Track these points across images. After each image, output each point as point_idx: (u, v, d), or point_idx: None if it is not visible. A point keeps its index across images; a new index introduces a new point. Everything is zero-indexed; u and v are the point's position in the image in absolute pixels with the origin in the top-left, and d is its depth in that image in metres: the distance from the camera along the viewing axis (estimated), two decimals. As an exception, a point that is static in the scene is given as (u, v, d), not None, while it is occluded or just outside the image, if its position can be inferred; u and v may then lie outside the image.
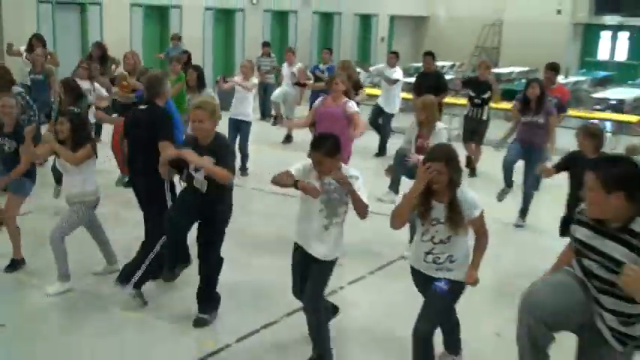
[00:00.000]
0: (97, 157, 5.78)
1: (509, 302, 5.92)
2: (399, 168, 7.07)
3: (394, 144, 11.18)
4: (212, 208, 5.02)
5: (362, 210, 4.33)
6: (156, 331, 5.17)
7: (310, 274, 4.53)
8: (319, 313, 4.57)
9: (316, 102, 7.29)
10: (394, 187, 7.67)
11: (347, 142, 6.78)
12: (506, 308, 5.82)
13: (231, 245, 6.18)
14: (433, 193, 3.99)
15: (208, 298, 5.26)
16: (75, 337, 5.11)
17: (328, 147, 4.26)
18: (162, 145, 5.26)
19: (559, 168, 6.22)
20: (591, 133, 5.89)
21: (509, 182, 8.19)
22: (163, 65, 13.57)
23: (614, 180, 2.87)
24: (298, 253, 4.60)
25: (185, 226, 5.11)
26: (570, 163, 6.08)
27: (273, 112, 13.75)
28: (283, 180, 4.36)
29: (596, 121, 11.39)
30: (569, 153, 6.28)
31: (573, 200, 6.00)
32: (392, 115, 11.79)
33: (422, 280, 4.26)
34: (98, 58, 10.74)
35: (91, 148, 5.64)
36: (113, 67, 11.37)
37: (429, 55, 11.40)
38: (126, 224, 7.05)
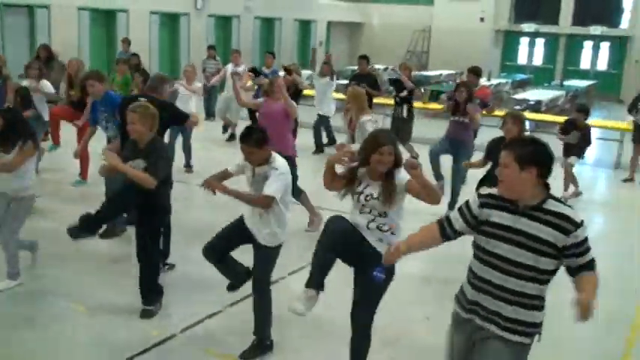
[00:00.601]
0: (37, 150, 5.50)
1: (437, 289, 6.03)
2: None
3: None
4: (149, 202, 4.93)
5: (260, 203, 4.35)
6: (100, 324, 5.02)
7: (255, 260, 4.54)
8: (266, 297, 4.58)
9: (260, 99, 7.33)
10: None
11: (289, 141, 6.85)
12: (435, 294, 5.91)
13: (174, 238, 6.08)
14: (369, 171, 3.93)
15: (152, 290, 5.14)
16: (19, 331, 4.91)
17: (255, 138, 4.30)
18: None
19: (486, 157, 6.34)
20: (518, 117, 6.09)
21: (438, 175, 8.31)
22: (110, 67, 13.22)
23: (527, 156, 2.90)
24: (241, 221, 4.56)
25: (120, 209, 5.08)
26: (492, 147, 6.20)
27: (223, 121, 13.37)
28: (212, 181, 4.55)
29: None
30: (492, 139, 6.41)
31: (488, 178, 6.14)
32: (327, 118, 11.77)
33: (356, 251, 4.01)
34: (44, 60, 10.40)
35: (32, 145, 5.27)
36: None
37: (364, 59, 11.53)
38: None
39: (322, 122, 11.77)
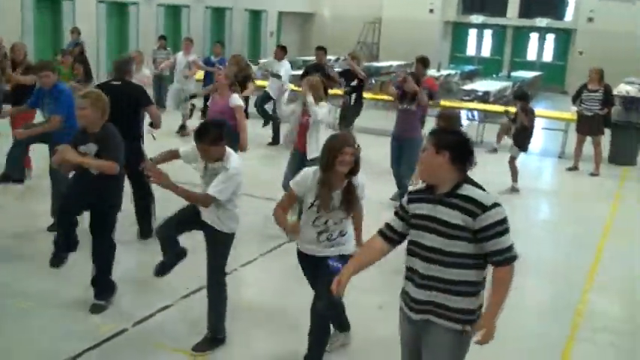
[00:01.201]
0: None
1: (389, 278, 6.09)
2: (292, 160, 7.03)
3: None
4: (101, 194, 4.83)
5: (199, 201, 4.34)
6: (50, 318, 4.90)
7: (207, 247, 4.51)
8: (220, 287, 4.55)
9: (210, 99, 7.28)
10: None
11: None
12: (387, 283, 5.96)
13: (124, 230, 5.98)
14: (332, 185, 4.01)
15: (103, 284, 5.05)
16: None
17: (211, 137, 4.23)
18: (149, 110, 6.50)
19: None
20: (447, 116, 6.18)
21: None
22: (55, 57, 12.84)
23: (443, 141, 3.05)
24: (193, 208, 4.50)
25: (75, 211, 4.90)
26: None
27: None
28: (157, 158, 4.73)
29: (458, 111, 11.85)
30: (429, 132, 6.49)
31: None
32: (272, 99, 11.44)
33: (312, 265, 4.22)
34: None
35: None
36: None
37: (321, 50, 11.43)
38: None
39: (265, 100, 11.47)
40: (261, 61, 13.08)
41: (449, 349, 3.14)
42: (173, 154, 4.62)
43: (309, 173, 4.12)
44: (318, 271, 4.16)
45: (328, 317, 4.18)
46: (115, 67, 6.68)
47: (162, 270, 4.62)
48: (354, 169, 4.03)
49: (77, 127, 5.65)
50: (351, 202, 4.03)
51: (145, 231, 6.53)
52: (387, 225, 3.31)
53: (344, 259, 4.05)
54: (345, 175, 4.01)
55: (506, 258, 2.99)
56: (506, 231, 2.99)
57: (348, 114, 10.60)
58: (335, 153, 3.94)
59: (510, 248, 3.00)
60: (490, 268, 3.06)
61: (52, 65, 6.77)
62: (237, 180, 4.33)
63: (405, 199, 3.27)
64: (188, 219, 4.52)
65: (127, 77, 6.56)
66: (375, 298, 5.53)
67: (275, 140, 11.49)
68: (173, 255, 4.58)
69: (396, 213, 3.30)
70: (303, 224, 4.18)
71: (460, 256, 3.02)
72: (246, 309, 5.23)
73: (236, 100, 6.90)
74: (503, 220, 2.98)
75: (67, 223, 4.90)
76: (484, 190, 3.05)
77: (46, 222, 6.54)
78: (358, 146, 4.04)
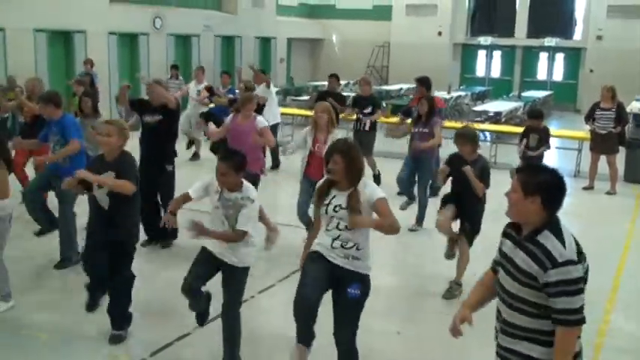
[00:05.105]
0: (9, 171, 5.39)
1: (408, 303, 6.06)
2: (305, 185, 7.05)
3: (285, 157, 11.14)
4: (118, 228, 4.85)
5: (235, 239, 4.35)
6: (68, 351, 4.91)
7: (225, 283, 4.52)
8: (235, 317, 4.55)
9: (227, 121, 7.31)
10: None
11: (259, 155, 6.95)
12: (405, 308, 5.93)
13: (139, 260, 5.99)
14: (334, 183, 4.04)
15: (121, 315, 5.05)
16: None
17: (236, 161, 4.31)
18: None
19: (444, 173, 6.37)
20: (465, 135, 6.08)
21: (410, 195, 8.36)
22: (69, 90, 12.99)
23: (533, 184, 2.86)
24: (206, 252, 4.52)
25: (102, 260, 4.86)
26: (449, 164, 6.24)
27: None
28: (174, 205, 4.65)
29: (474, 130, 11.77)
30: (448, 156, 6.44)
31: (452, 195, 6.20)
32: (275, 126, 11.34)
33: (323, 268, 4.08)
34: None
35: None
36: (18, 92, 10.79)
37: (334, 77, 11.30)
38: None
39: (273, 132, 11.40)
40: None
41: None
42: (185, 198, 4.60)
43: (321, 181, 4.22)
44: (337, 295, 4.12)
45: (352, 340, 4.12)
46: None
47: (202, 319, 4.78)
48: (350, 176, 3.99)
49: (83, 160, 5.79)
50: (354, 206, 3.95)
51: (168, 242, 6.95)
52: (494, 261, 3.18)
53: (363, 283, 4.04)
54: (348, 182, 3.99)
55: (566, 319, 2.79)
56: (575, 292, 2.78)
57: (365, 141, 10.49)
58: (327, 159, 4.02)
59: (575, 311, 2.79)
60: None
61: (55, 98, 6.59)
62: (258, 206, 4.43)
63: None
64: (205, 269, 4.53)
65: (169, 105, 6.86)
66: (393, 323, 5.49)
67: (275, 164, 11.44)
68: (203, 304, 4.67)
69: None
70: (320, 232, 4.17)
71: (527, 303, 2.87)
72: (264, 336, 5.22)
73: (262, 122, 7.14)
74: (574, 281, 2.78)
75: (97, 274, 4.94)
76: (564, 241, 2.83)
77: (52, 254, 6.59)
78: (349, 154, 3.99)
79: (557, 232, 2.85)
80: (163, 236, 7.04)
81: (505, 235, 3.07)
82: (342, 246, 4.03)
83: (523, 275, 2.85)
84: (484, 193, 5.96)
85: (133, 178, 4.82)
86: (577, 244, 2.90)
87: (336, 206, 4.01)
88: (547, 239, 2.82)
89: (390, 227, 3.99)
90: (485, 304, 3.26)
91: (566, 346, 2.85)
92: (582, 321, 2.82)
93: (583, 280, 2.83)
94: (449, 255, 6.22)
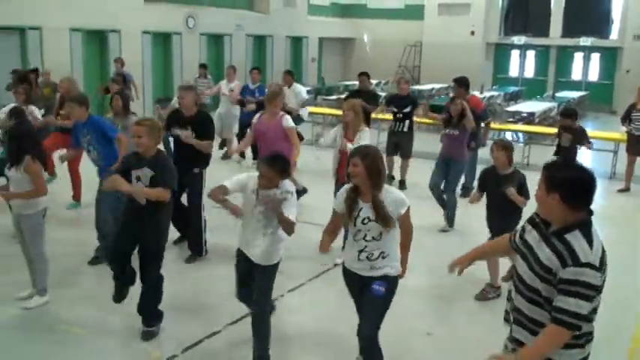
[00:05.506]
0: (44, 168, 5.48)
1: (438, 304, 6.04)
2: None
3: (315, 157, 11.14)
4: (152, 229, 4.93)
5: (287, 228, 4.39)
6: (102, 346, 5.00)
7: (256, 280, 4.56)
8: (265, 315, 4.60)
9: (254, 120, 7.30)
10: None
11: (289, 153, 6.93)
12: (436, 309, 5.92)
13: (168, 258, 6.07)
14: (360, 193, 4.03)
15: (152, 312, 5.13)
16: (21, 354, 4.89)
17: (280, 167, 4.38)
18: None
19: (479, 188, 6.28)
20: (503, 146, 6.01)
21: (442, 203, 8.28)
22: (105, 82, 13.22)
23: (555, 180, 2.83)
24: (241, 258, 4.60)
25: (128, 252, 5.01)
26: (482, 181, 6.19)
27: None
28: (216, 195, 4.50)
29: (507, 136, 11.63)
30: (481, 172, 6.37)
31: (490, 215, 6.11)
32: (301, 121, 11.21)
33: (356, 282, 4.22)
34: (31, 83, 10.33)
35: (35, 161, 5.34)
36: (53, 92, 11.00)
37: (364, 75, 11.20)
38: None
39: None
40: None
41: None
42: (223, 190, 4.55)
43: (343, 189, 4.18)
44: (363, 294, 4.16)
45: (372, 336, 4.12)
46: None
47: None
48: (372, 183, 3.98)
49: (116, 157, 5.89)
50: (381, 216, 3.97)
51: (198, 250, 6.81)
52: (515, 232, 3.18)
53: (388, 281, 4.06)
54: (371, 188, 3.99)
55: (562, 320, 2.74)
56: (583, 296, 2.71)
57: (403, 142, 10.43)
58: (348, 163, 4.04)
59: (575, 315, 2.71)
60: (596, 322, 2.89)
61: (79, 98, 6.63)
62: (296, 202, 4.49)
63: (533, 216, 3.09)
64: (247, 275, 4.62)
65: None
66: (423, 324, 5.48)
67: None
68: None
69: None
70: (347, 242, 4.22)
71: (544, 299, 2.85)
72: (293, 335, 5.25)
73: (290, 121, 7.10)
74: (588, 285, 2.70)
75: (120, 261, 5.04)
76: (592, 245, 2.77)
77: (88, 250, 6.74)
78: (368, 157, 3.98)
79: (587, 234, 2.80)
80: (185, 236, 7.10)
81: (532, 223, 3.02)
82: (367, 258, 4.09)
83: (542, 269, 2.83)
84: None
85: (171, 180, 4.90)
86: (603, 252, 2.84)
87: (364, 219, 4.03)
88: (575, 238, 2.78)
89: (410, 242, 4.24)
90: (485, 258, 3.30)
91: (547, 343, 2.81)
92: (576, 327, 2.75)
93: (597, 289, 2.76)
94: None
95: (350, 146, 6.34)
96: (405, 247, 4.23)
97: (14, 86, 9.32)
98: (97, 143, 6.50)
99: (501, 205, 5.86)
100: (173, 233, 6.43)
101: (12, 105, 7.76)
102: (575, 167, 2.90)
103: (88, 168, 7.62)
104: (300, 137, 8.08)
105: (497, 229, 5.79)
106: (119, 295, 5.18)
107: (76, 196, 8.73)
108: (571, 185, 2.80)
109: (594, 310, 2.82)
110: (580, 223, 2.81)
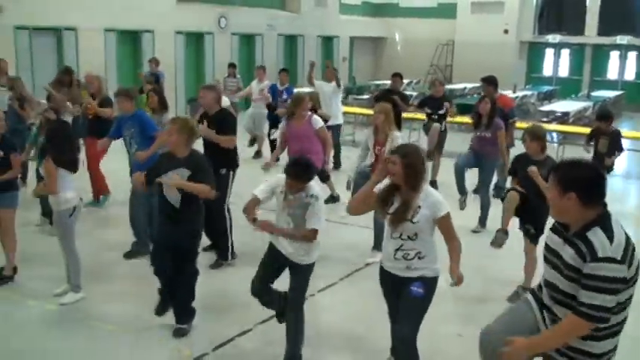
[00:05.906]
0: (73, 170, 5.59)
1: (468, 304, 5.99)
2: (362, 182, 7.06)
3: (346, 156, 11.14)
4: (185, 227, 4.99)
5: (307, 237, 4.42)
6: (134, 342, 5.06)
7: (290, 279, 4.59)
8: (298, 314, 4.61)
9: (282, 129, 7.39)
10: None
11: (319, 154, 6.94)
12: (466, 310, 5.87)
13: (201, 257, 6.12)
14: (398, 189, 3.96)
15: (185, 310, 5.18)
16: (56, 350, 4.97)
17: (304, 175, 4.38)
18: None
19: (511, 173, 6.23)
20: (535, 134, 5.93)
21: (461, 189, 8.16)
22: (137, 82, 13.37)
23: (567, 181, 2.83)
24: (273, 251, 4.60)
25: (168, 261, 5.03)
26: (516, 165, 6.11)
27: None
28: (251, 210, 4.52)
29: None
30: (515, 156, 6.29)
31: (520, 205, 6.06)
32: (338, 127, 11.25)
33: (389, 283, 4.14)
34: (67, 84, 10.44)
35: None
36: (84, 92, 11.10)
37: (397, 76, 11.11)
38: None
39: (335, 133, 10.89)
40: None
41: None
42: (255, 202, 4.56)
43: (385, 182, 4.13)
44: (398, 296, 4.11)
45: (409, 338, 4.06)
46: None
47: (281, 316, 4.77)
48: (409, 183, 3.88)
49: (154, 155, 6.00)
50: (406, 209, 3.88)
51: (223, 255, 6.72)
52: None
53: (425, 282, 4.00)
54: (408, 188, 3.90)
55: (585, 312, 2.76)
56: (607, 290, 2.72)
57: (438, 141, 10.40)
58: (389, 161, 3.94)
59: (597, 308, 2.74)
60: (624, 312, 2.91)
61: (128, 92, 6.93)
62: (323, 204, 4.49)
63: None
64: (271, 269, 4.63)
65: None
66: (454, 326, 5.44)
67: (335, 165, 11.23)
68: (279, 302, 4.72)
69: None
70: (384, 238, 4.15)
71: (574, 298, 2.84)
72: (324, 334, 5.25)
73: (319, 121, 7.16)
74: (611, 279, 2.71)
75: (163, 273, 5.09)
76: (612, 238, 2.77)
77: (123, 248, 6.84)
78: (408, 155, 3.89)
79: (607, 228, 2.81)
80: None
81: (554, 230, 3.05)
82: (403, 257, 4.00)
83: (569, 269, 2.84)
84: None
85: (210, 178, 4.96)
86: (628, 244, 2.82)
87: None
88: (595, 235, 2.79)
89: (459, 248, 4.01)
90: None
91: (563, 331, 2.88)
92: (596, 319, 2.77)
93: (621, 281, 2.75)
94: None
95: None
96: (451, 254, 4.00)
97: (56, 87, 9.40)
98: (138, 137, 6.70)
99: (529, 192, 5.80)
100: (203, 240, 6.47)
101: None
102: (584, 165, 2.95)
103: (120, 167, 7.75)
104: (327, 177, 8.18)
105: (526, 219, 5.90)
106: (161, 308, 5.22)
107: (97, 195, 8.69)
108: (586, 183, 2.83)
109: (626, 301, 2.85)
110: (598, 219, 2.83)
